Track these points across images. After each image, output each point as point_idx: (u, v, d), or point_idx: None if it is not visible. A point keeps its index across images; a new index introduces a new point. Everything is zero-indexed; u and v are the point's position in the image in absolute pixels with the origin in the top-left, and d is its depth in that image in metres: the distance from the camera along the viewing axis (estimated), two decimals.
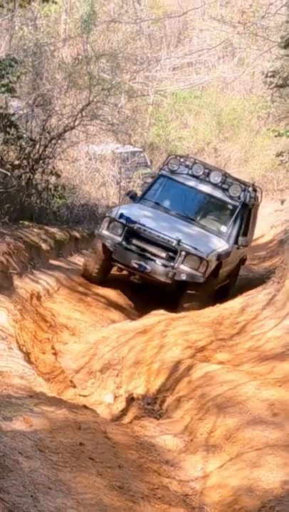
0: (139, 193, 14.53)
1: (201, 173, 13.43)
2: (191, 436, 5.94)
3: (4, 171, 13.11)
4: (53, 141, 15.97)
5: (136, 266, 11.79)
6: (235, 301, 10.90)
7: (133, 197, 13.84)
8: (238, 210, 13.18)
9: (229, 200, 13.26)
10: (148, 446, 5.64)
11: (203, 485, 5.15)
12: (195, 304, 11.51)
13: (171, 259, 11.76)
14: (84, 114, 16.39)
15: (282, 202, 15.35)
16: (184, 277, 11.65)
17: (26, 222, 13.94)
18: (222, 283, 13.08)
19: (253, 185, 14.27)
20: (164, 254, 11.82)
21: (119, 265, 12.31)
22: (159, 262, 11.79)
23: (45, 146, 15.78)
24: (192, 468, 5.43)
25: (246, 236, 13.73)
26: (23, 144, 15.30)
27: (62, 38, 19.38)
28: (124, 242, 11.85)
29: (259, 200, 14.38)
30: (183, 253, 11.73)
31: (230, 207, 13.26)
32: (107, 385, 8.32)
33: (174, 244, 11.73)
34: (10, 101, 15.71)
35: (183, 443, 5.87)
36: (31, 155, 15.38)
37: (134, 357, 8.67)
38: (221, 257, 12.14)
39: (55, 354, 9.29)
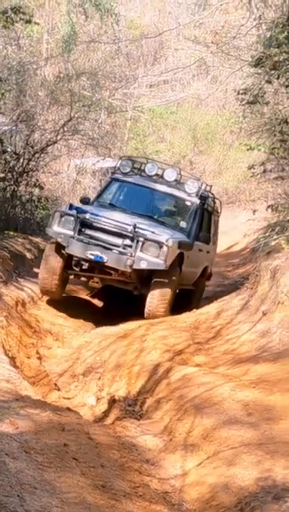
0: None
1: (154, 172, 12.42)
2: (170, 436, 5.92)
3: None
4: (36, 155, 15.98)
5: (91, 257, 10.50)
6: (211, 307, 10.90)
7: (85, 201, 12.22)
8: (196, 206, 12.30)
9: (186, 197, 12.30)
10: (129, 446, 5.62)
11: (182, 482, 5.14)
12: (165, 290, 10.71)
13: (128, 247, 10.61)
14: (66, 129, 16.40)
15: (254, 212, 15.33)
16: (143, 265, 10.53)
17: (11, 233, 13.91)
18: (185, 285, 12.08)
19: (212, 194, 13.50)
20: (119, 242, 10.63)
21: (73, 270, 11.08)
22: (115, 250, 10.60)
23: (29, 160, 15.79)
24: (171, 467, 5.42)
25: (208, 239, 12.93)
26: (8, 157, 15.30)
27: (45, 56, 19.35)
28: (77, 234, 10.62)
29: (218, 209, 13.74)
30: (140, 239, 10.62)
31: (188, 203, 12.30)
32: (90, 387, 8.30)
33: (129, 230, 10.66)
34: None
35: (162, 442, 5.85)
36: (15, 168, 15.38)
37: (116, 360, 8.65)
38: (182, 246, 11.15)
39: (39, 358, 9.25)
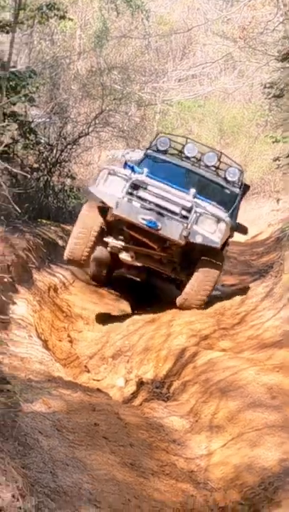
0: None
1: (194, 153, 11.12)
2: (196, 418, 5.92)
3: (24, 173, 13.09)
4: (68, 146, 15.98)
5: (143, 222, 9.04)
6: (236, 294, 10.84)
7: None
8: (236, 195, 10.98)
9: (227, 185, 10.94)
10: (157, 427, 5.63)
11: (207, 462, 5.13)
12: (213, 272, 9.49)
13: (185, 218, 9.23)
14: (97, 121, 16.39)
15: (278, 200, 15.18)
16: (199, 239, 9.17)
17: (44, 221, 13.96)
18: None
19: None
20: (177, 210, 9.26)
21: (110, 236, 9.76)
22: (171, 218, 9.20)
23: (62, 151, 15.80)
24: (197, 447, 5.42)
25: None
26: (42, 148, 15.33)
27: (77, 51, 19.33)
28: (128, 196, 9.23)
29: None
30: (198, 211, 9.32)
31: (227, 191, 10.92)
32: (119, 370, 8.31)
33: (188, 199, 9.37)
34: (29, 110, 15.73)
35: (189, 424, 5.85)
36: (49, 159, 15.40)
37: (144, 344, 8.65)
38: (232, 229, 10.17)
39: (70, 341, 9.30)
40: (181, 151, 11.26)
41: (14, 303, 9.27)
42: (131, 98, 18.98)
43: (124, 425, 5.34)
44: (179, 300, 9.62)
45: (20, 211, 11.55)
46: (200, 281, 9.46)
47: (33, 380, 6.07)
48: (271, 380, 6.18)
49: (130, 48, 21.57)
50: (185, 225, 9.15)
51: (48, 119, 15.98)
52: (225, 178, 11.02)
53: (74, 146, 16.23)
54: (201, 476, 4.94)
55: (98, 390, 6.69)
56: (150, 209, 9.18)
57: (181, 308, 9.57)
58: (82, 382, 7.33)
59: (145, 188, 9.37)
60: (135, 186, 9.31)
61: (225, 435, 5.42)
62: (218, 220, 9.39)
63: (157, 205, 9.25)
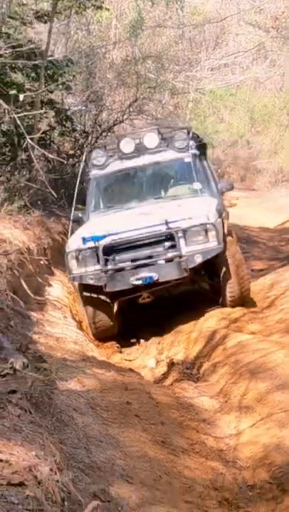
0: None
1: (132, 146, 9.39)
2: (226, 398, 5.90)
3: (61, 160, 13.12)
4: (103, 134, 15.96)
5: (139, 282, 8.11)
6: (266, 278, 10.77)
7: (78, 220, 9.56)
8: (196, 159, 9.44)
9: (181, 154, 9.40)
10: (187, 406, 5.63)
11: (236, 441, 5.11)
12: (239, 259, 8.64)
13: (172, 248, 8.15)
14: (131, 109, 16.34)
15: None
16: (199, 259, 8.12)
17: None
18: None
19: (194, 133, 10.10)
20: (161, 249, 8.20)
21: (119, 298, 8.79)
22: (160, 261, 8.16)
23: (97, 138, 15.79)
24: (226, 427, 5.40)
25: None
26: (77, 135, 15.35)
27: (113, 41, 19.24)
28: (108, 266, 8.17)
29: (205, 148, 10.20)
30: (180, 233, 8.13)
31: (187, 160, 9.37)
32: (150, 351, 8.32)
33: (163, 230, 8.16)
34: (66, 98, 15.75)
35: (218, 404, 5.84)
36: (84, 146, 15.40)
37: (174, 326, 8.65)
38: (220, 213, 8.81)
39: None
40: (120, 151, 9.53)
41: (50, 285, 9.33)
42: (165, 87, 18.85)
43: (155, 404, 5.35)
44: (228, 299, 8.63)
45: (56, 196, 11.62)
46: (233, 272, 8.53)
47: (68, 360, 6.11)
48: None
49: (164, 38, 21.40)
50: (178, 259, 8.11)
51: (83, 107, 15.99)
52: (177, 148, 9.45)
53: (109, 134, 16.21)
54: (230, 454, 4.92)
55: (130, 370, 6.71)
56: (136, 267, 8.19)
57: (235, 305, 8.69)
58: (114, 362, 7.36)
59: (118, 249, 8.26)
60: (108, 251, 8.21)
61: (254, 415, 5.39)
62: (203, 226, 8.19)
63: (140, 258, 8.23)
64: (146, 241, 8.23)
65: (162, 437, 4.73)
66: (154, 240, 8.23)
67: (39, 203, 11.79)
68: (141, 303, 8.59)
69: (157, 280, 8.12)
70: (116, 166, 9.53)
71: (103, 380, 5.60)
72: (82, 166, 10.14)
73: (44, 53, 12.24)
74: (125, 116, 16.30)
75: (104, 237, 8.21)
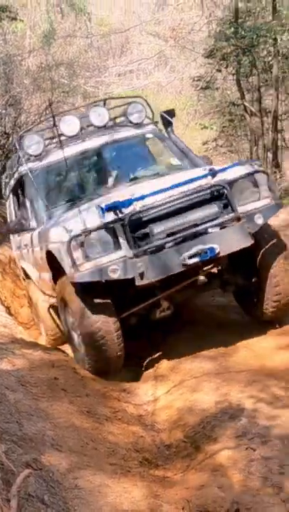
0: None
1: (76, 125, 6.63)
2: (143, 369, 5.92)
3: None
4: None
5: (195, 260, 5.09)
6: None
7: (20, 226, 6.69)
8: (158, 132, 7.28)
9: (143, 130, 7.09)
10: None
11: (153, 407, 5.15)
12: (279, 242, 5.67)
13: (226, 207, 5.32)
14: (47, 112, 16.09)
15: None
16: (260, 221, 5.34)
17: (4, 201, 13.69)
18: None
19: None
20: (208, 211, 5.32)
21: (131, 308, 5.47)
22: (214, 228, 5.23)
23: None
24: (144, 395, 5.42)
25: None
26: None
27: (28, 50, 18.87)
28: (142, 247, 5.14)
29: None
30: (228, 182, 5.33)
31: (150, 136, 7.17)
32: None
33: (211, 182, 5.37)
34: None
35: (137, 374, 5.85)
36: (6, 146, 15.09)
37: None
38: None
39: (31, 306, 9.16)
40: (60, 135, 6.65)
41: None
42: (77, 91, 18.71)
43: (80, 378, 5.30)
44: (271, 308, 5.70)
45: None
46: (280, 266, 5.60)
47: None
48: None
49: (75, 47, 21.18)
50: (236, 221, 5.28)
51: (3, 111, 15.62)
52: (133, 123, 7.05)
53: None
54: (149, 419, 4.95)
55: (57, 348, 6.62)
56: (181, 241, 5.20)
57: (277, 316, 5.81)
58: (42, 343, 7.24)
59: (145, 221, 5.23)
60: (136, 225, 5.21)
61: (168, 383, 5.43)
62: (252, 174, 5.47)
63: (182, 230, 5.24)
64: (187, 203, 5.32)
65: (87, 408, 4.69)
66: (195, 200, 5.35)
67: None
68: (157, 318, 5.61)
69: (218, 254, 5.16)
70: (59, 153, 6.57)
71: (31, 359, 5.50)
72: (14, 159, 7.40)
73: None
74: (42, 119, 16.04)
75: (125, 205, 5.20)
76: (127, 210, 5.19)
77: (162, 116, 7.27)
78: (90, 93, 21.01)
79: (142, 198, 5.26)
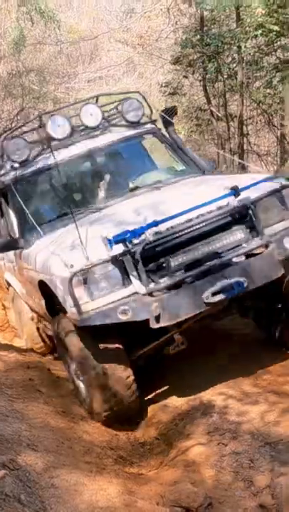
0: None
1: (66, 127, 5.73)
2: None
3: None
4: None
5: (221, 298, 4.25)
6: None
7: (12, 244, 5.64)
8: (160, 131, 6.28)
9: (141, 130, 6.13)
10: None
11: None
12: None
13: (251, 231, 4.52)
14: (19, 117, 16.02)
15: None
16: (287, 243, 4.47)
17: None
18: None
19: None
20: (232, 238, 4.51)
21: (144, 349, 4.73)
22: (238, 258, 4.42)
23: None
24: None
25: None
26: None
27: None
28: (157, 283, 4.33)
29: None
30: (251, 207, 4.48)
31: (149, 136, 6.27)
32: None
33: (235, 204, 4.46)
34: None
35: None
36: None
37: None
38: None
39: (4, 309, 9.08)
40: (48, 138, 5.72)
41: None
42: (47, 97, 18.63)
43: (55, 379, 5.28)
44: None
45: None
46: None
47: None
48: None
49: (45, 54, 21.10)
50: (264, 248, 4.46)
51: None
52: (129, 122, 6.11)
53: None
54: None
55: (32, 350, 6.59)
56: (202, 275, 4.34)
57: None
58: (16, 345, 7.19)
59: (159, 250, 4.39)
60: (146, 260, 4.33)
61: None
62: (279, 190, 4.63)
63: (202, 260, 4.42)
64: (207, 228, 4.47)
65: (63, 408, 4.68)
66: (216, 224, 4.49)
67: None
68: (171, 354, 4.74)
69: (247, 288, 4.32)
70: (48, 159, 5.69)
71: (7, 361, 5.46)
72: None
73: None
74: (14, 124, 15.95)
75: (137, 233, 4.30)
76: (137, 240, 4.28)
77: (162, 116, 6.30)
78: (60, 99, 20.95)
79: (156, 224, 4.32)
